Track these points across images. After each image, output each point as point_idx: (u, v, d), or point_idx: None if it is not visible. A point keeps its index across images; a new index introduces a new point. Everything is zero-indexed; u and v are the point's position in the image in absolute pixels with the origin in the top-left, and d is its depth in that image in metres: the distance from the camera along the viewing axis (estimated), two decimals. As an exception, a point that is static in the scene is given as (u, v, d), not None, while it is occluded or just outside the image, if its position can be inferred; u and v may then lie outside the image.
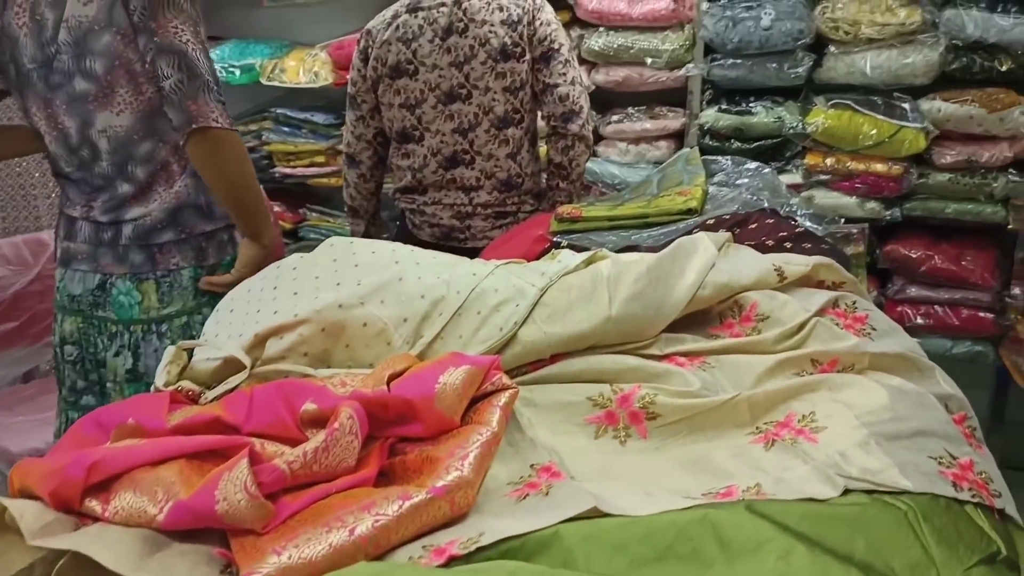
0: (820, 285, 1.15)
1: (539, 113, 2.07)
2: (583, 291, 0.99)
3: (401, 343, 0.96)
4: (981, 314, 2.47)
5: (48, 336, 1.94)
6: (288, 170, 3.31)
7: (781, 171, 2.59)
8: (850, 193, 2.51)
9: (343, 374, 0.92)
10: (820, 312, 1.05)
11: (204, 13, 3.41)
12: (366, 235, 2.17)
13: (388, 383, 0.86)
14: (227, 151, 1.59)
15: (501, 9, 1.92)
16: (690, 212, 1.71)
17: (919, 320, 2.54)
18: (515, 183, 2.05)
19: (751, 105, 2.51)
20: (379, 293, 0.97)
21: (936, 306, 2.52)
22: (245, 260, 1.66)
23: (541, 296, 0.97)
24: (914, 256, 2.48)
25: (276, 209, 3.38)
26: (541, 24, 1.93)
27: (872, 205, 2.50)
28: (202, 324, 1.44)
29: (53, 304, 1.78)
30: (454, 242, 2.09)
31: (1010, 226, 2.40)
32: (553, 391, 0.92)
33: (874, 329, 1.05)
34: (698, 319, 1.07)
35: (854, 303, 1.08)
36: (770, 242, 1.51)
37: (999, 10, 2.26)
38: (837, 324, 1.04)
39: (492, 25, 1.91)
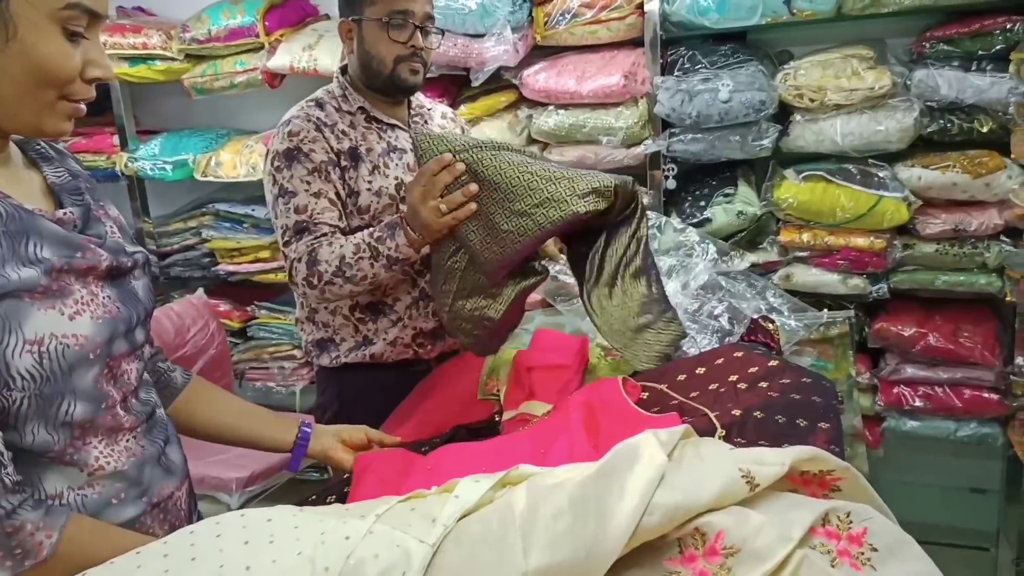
0: (803, 478, 0.92)
1: None
2: (488, 539, 0.76)
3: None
4: (985, 394, 2.25)
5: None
6: (232, 267, 3.10)
7: (754, 244, 2.39)
8: (831, 269, 2.31)
9: None
10: (806, 538, 0.81)
11: (139, 104, 3.25)
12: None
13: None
14: None
15: None
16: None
17: (918, 402, 2.32)
18: None
19: (706, 212, 2.30)
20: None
21: (936, 386, 2.30)
22: None
23: (433, 555, 0.74)
24: (906, 334, 2.26)
25: (222, 308, 3.17)
26: None
27: (856, 281, 2.30)
28: None
29: None
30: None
31: (1008, 298, 2.19)
32: None
33: (875, 550, 0.82)
34: (651, 545, 0.83)
35: (848, 515, 0.85)
36: (743, 384, 1.30)
37: (974, 68, 2.08)
38: (829, 552, 0.81)
39: None
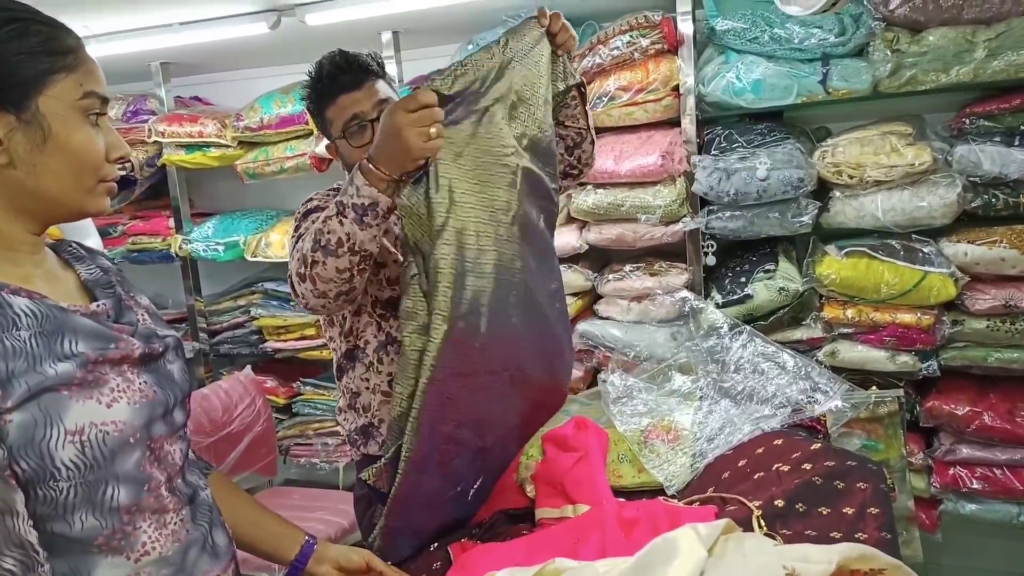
0: (853, 576, 0.89)
1: None
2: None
3: None
4: (1048, 476, 2.15)
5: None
6: (279, 344, 3.16)
7: (797, 321, 2.36)
8: (878, 346, 2.26)
9: None
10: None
11: (194, 188, 3.38)
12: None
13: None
14: None
15: None
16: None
17: (976, 484, 2.22)
18: None
19: (746, 288, 2.30)
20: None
21: (994, 468, 2.21)
22: None
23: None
24: (960, 413, 2.19)
25: (268, 384, 3.22)
26: None
27: (905, 358, 2.24)
28: None
29: None
30: None
31: (1066, 376, 2.12)
32: None
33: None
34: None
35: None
36: (785, 467, 1.27)
37: (1016, 143, 2.06)
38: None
39: None
